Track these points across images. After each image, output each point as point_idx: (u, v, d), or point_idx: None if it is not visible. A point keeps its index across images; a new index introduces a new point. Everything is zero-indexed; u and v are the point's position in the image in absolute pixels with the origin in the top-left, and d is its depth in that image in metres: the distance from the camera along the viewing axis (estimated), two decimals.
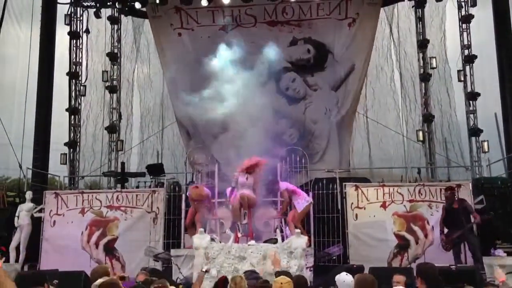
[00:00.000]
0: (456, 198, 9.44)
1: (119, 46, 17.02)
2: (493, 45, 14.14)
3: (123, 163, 14.21)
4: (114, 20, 16.96)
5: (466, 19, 15.45)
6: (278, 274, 5.23)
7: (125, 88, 16.92)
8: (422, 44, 15.88)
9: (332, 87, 14.88)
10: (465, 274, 7.39)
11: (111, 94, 16.65)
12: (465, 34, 15.53)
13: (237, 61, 15.06)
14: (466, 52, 15.43)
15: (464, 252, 9.20)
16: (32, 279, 4.44)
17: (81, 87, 16.19)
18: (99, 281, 4.15)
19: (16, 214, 11.13)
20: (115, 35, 17.04)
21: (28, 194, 11.41)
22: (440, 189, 10.09)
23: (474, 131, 14.87)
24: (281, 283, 4.33)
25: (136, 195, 11.06)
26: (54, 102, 15.24)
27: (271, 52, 14.68)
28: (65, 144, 15.73)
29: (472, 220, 9.13)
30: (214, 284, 5.73)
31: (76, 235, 10.75)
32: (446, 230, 9.30)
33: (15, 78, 15.28)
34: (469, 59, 15.30)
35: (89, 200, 11.02)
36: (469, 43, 15.43)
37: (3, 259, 5.24)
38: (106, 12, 16.62)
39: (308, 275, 8.33)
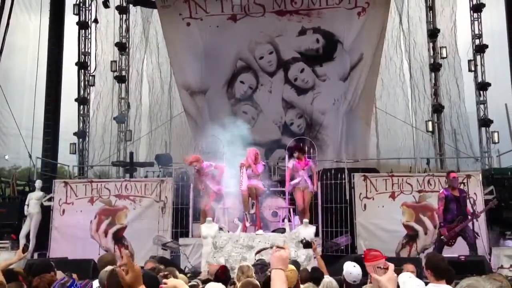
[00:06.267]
0: (457, 187, 8.74)
1: (127, 36, 16.99)
2: (505, 34, 13.97)
3: (131, 153, 14.25)
4: (122, 10, 16.94)
5: (477, 8, 15.22)
6: None
7: (134, 78, 16.89)
8: (432, 34, 15.67)
9: (341, 77, 14.75)
10: (474, 264, 7.36)
11: (120, 84, 16.66)
12: (476, 23, 15.29)
13: (245, 51, 15.12)
14: (477, 41, 15.20)
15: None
16: (40, 267, 4.47)
17: (90, 77, 16.20)
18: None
19: (26, 203, 11.24)
20: (124, 25, 17.02)
21: (38, 183, 11.49)
22: None
23: (484, 122, 14.69)
24: None
25: (145, 185, 11.12)
26: (63, 92, 15.28)
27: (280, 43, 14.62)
28: (74, 134, 15.79)
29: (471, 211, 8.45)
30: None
31: (85, 223, 10.85)
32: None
33: (25, 68, 15.30)
34: (480, 49, 15.08)
35: (98, 189, 11.10)
36: (480, 32, 15.19)
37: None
38: (114, 1, 16.60)
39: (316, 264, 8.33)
